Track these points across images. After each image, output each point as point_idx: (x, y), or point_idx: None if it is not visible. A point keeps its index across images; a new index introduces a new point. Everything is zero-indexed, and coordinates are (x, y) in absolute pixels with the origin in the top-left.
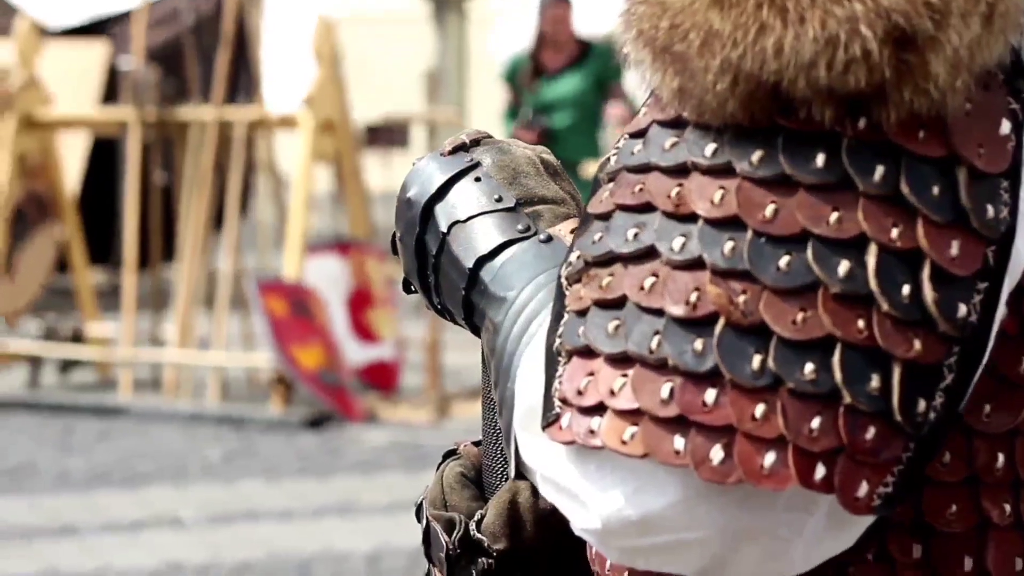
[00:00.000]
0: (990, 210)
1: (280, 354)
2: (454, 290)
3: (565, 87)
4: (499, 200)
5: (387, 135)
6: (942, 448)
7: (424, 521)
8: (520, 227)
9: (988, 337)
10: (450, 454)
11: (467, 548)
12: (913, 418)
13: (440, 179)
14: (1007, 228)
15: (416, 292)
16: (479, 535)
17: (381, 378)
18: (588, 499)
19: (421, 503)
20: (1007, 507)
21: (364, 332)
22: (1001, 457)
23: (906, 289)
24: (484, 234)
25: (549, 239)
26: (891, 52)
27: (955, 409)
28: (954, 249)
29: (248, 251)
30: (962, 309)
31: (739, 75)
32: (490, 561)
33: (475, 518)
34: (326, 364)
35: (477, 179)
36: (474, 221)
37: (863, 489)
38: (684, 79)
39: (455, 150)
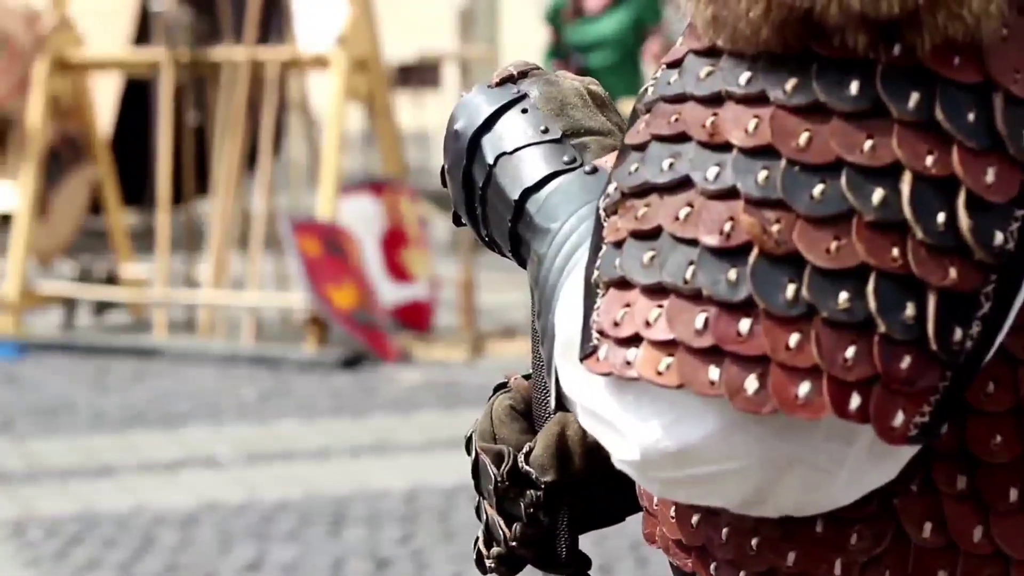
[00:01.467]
0: None
1: (314, 294)
2: (501, 222)
3: (605, 27)
4: (545, 131)
5: (419, 74)
6: (985, 378)
7: (473, 453)
8: (566, 159)
9: None
10: (501, 387)
11: (515, 480)
12: (949, 347)
13: (487, 111)
14: None
15: (465, 225)
16: (527, 467)
17: (415, 317)
18: (626, 430)
19: (471, 435)
20: None
21: (398, 272)
22: None
23: (941, 217)
24: (530, 166)
25: (594, 170)
26: None
27: (994, 338)
28: (990, 176)
29: (281, 191)
30: (999, 236)
31: (772, 2)
32: (538, 493)
33: (523, 450)
34: (360, 304)
35: (524, 111)
36: (520, 153)
37: (899, 419)
38: (718, 7)
39: (502, 82)
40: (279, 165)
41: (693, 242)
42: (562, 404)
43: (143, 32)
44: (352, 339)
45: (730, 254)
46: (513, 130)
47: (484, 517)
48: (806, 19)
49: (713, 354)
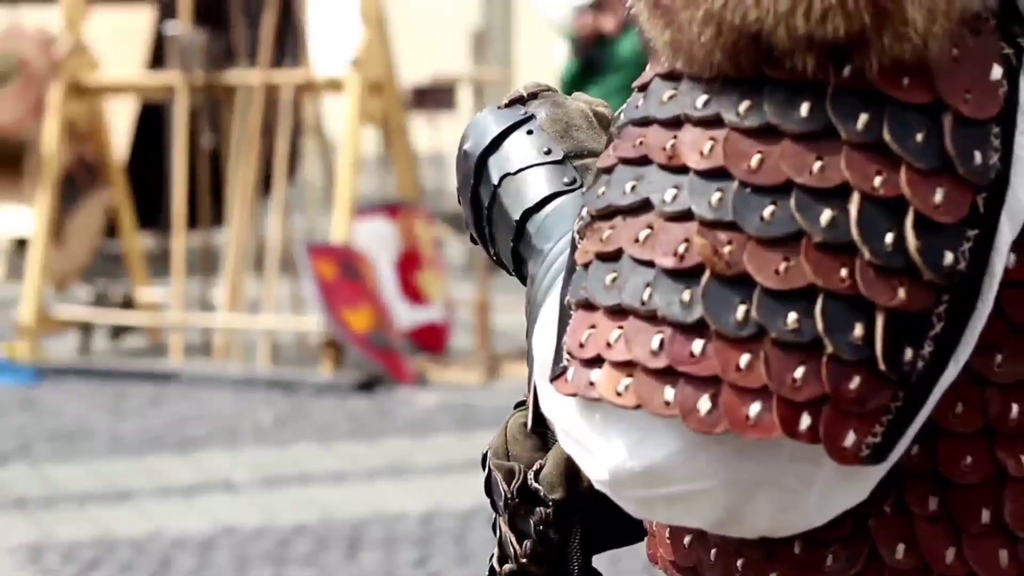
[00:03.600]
0: (977, 156)
1: (330, 317)
2: (505, 242)
3: (623, 48)
4: (548, 153)
5: (434, 96)
6: (954, 398)
7: (487, 469)
8: (566, 180)
9: (980, 284)
10: (520, 404)
11: (525, 497)
12: (899, 367)
13: (494, 131)
14: (997, 174)
15: (478, 244)
16: (536, 485)
17: (431, 340)
18: (595, 450)
19: (487, 452)
20: None
21: (413, 294)
22: (1015, 407)
23: (889, 237)
24: (531, 186)
25: None
26: None
27: (948, 358)
28: (938, 196)
29: (296, 214)
30: (948, 257)
31: (722, 25)
32: (548, 511)
33: (534, 468)
34: (376, 326)
35: (529, 132)
36: (523, 173)
37: (850, 439)
38: (674, 31)
39: (512, 103)
40: (294, 188)
41: (650, 264)
42: (539, 423)
43: (158, 56)
44: (368, 362)
45: (684, 276)
46: (518, 151)
47: (498, 533)
48: (756, 42)
49: (668, 375)
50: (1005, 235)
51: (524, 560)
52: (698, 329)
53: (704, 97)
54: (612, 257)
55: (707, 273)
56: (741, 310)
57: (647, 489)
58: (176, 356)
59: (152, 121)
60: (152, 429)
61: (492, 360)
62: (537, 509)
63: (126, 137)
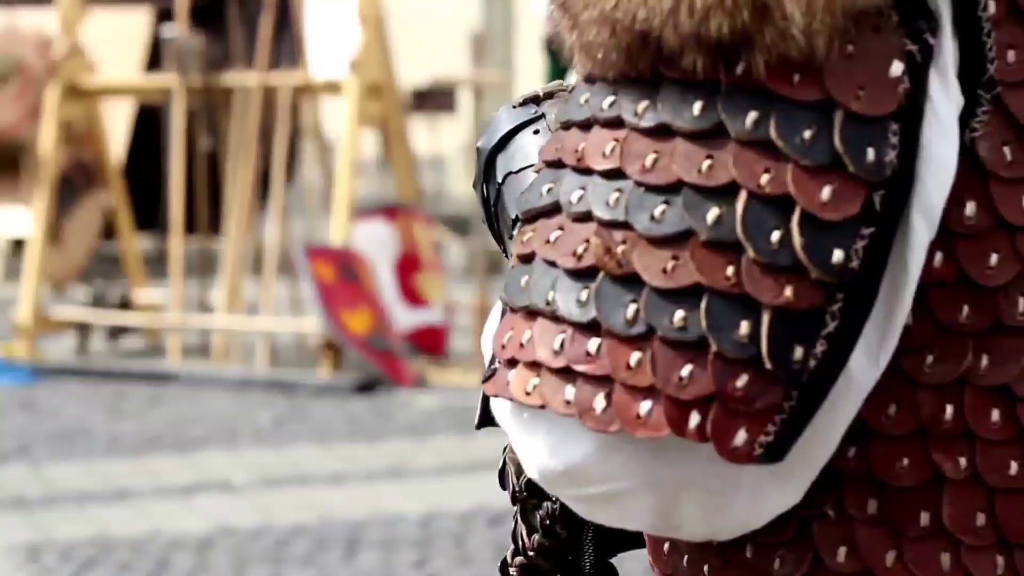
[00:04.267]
0: (870, 153)
1: (329, 319)
2: (508, 239)
3: None
4: None
5: (434, 99)
6: (887, 400)
7: (501, 462)
8: None
9: (878, 283)
10: None
11: (533, 491)
12: (787, 365)
13: (504, 129)
14: (895, 171)
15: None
16: None
17: (430, 342)
18: (523, 450)
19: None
20: (962, 460)
21: (412, 296)
22: (949, 409)
23: (775, 235)
24: None
25: None
26: None
27: (844, 356)
28: (826, 193)
29: (295, 216)
30: (838, 255)
31: (616, 26)
32: (555, 506)
33: None
34: (375, 329)
35: (536, 131)
36: (524, 173)
37: (741, 437)
38: (579, 35)
39: (526, 102)
40: (293, 190)
41: (555, 264)
42: (485, 422)
43: (155, 58)
44: (367, 364)
45: (581, 275)
46: (523, 150)
47: (513, 525)
48: (648, 42)
49: (568, 374)
50: (921, 233)
51: (532, 553)
52: (593, 328)
53: (610, 98)
54: (528, 259)
55: (600, 273)
56: (631, 309)
57: (576, 488)
58: (174, 357)
59: (149, 124)
60: (150, 430)
61: None
62: (544, 504)
63: (124, 139)
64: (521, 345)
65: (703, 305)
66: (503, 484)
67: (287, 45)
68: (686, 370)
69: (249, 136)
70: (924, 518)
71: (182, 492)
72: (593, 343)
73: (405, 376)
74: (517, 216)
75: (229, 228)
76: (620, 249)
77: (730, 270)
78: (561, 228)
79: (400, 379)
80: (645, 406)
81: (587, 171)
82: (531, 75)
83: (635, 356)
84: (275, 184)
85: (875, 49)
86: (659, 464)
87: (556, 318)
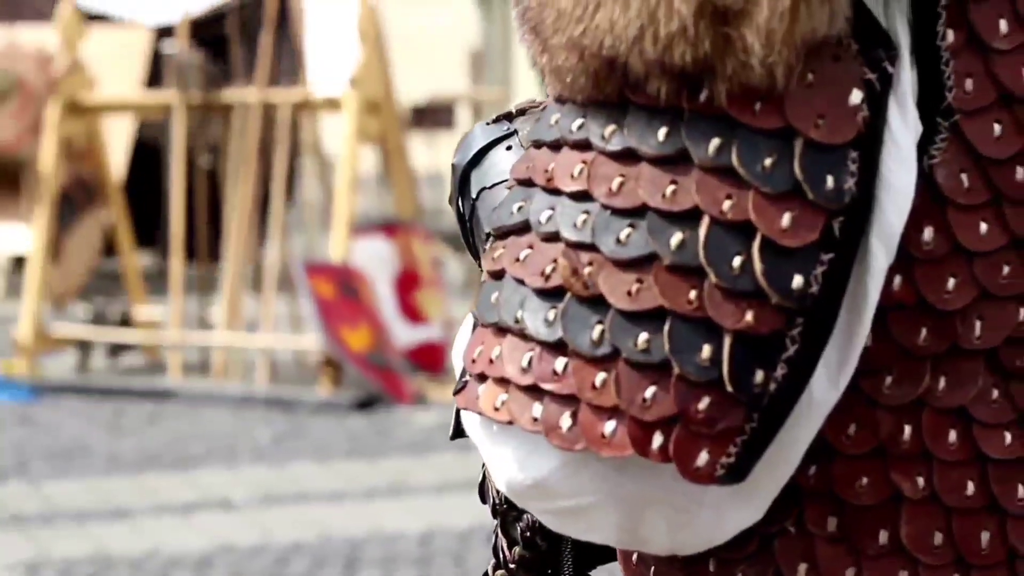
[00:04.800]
0: (829, 180)
1: (328, 336)
2: (482, 254)
3: None
4: None
5: (433, 116)
6: (847, 419)
7: (481, 475)
8: None
9: (837, 308)
10: None
11: (513, 504)
12: (749, 389)
13: (477, 146)
14: (854, 198)
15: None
16: None
17: (429, 359)
18: (494, 463)
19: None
20: (920, 480)
21: (412, 313)
22: (908, 429)
23: (737, 261)
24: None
25: None
26: (708, 26)
27: (804, 380)
28: (785, 220)
29: (295, 233)
30: (797, 280)
31: (584, 52)
32: (534, 519)
33: None
34: (374, 346)
35: (509, 148)
36: (496, 188)
37: (702, 458)
38: (550, 58)
39: (499, 119)
40: (293, 207)
41: (524, 283)
42: (460, 434)
43: (155, 75)
44: (366, 381)
45: (549, 295)
46: (496, 166)
47: (493, 539)
48: (614, 68)
49: (535, 392)
50: (879, 259)
51: (513, 566)
52: (560, 348)
53: (579, 121)
54: (498, 276)
55: (568, 293)
56: (597, 330)
57: (544, 502)
58: (174, 374)
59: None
60: (150, 447)
61: None
62: (525, 516)
63: (124, 156)
64: (491, 361)
65: (666, 328)
66: (483, 498)
67: (287, 62)
68: (649, 391)
69: (249, 153)
70: (883, 536)
71: (181, 510)
72: (560, 362)
73: (404, 393)
74: (490, 232)
75: (229, 245)
76: (587, 271)
77: (693, 294)
78: (531, 247)
79: (399, 396)
80: (610, 426)
81: (556, 191)
82: (529, 91)
83: (600, 376)
84: (275, 200)
85: (834, 78)
86: (624, 480)
87: (524, 336)
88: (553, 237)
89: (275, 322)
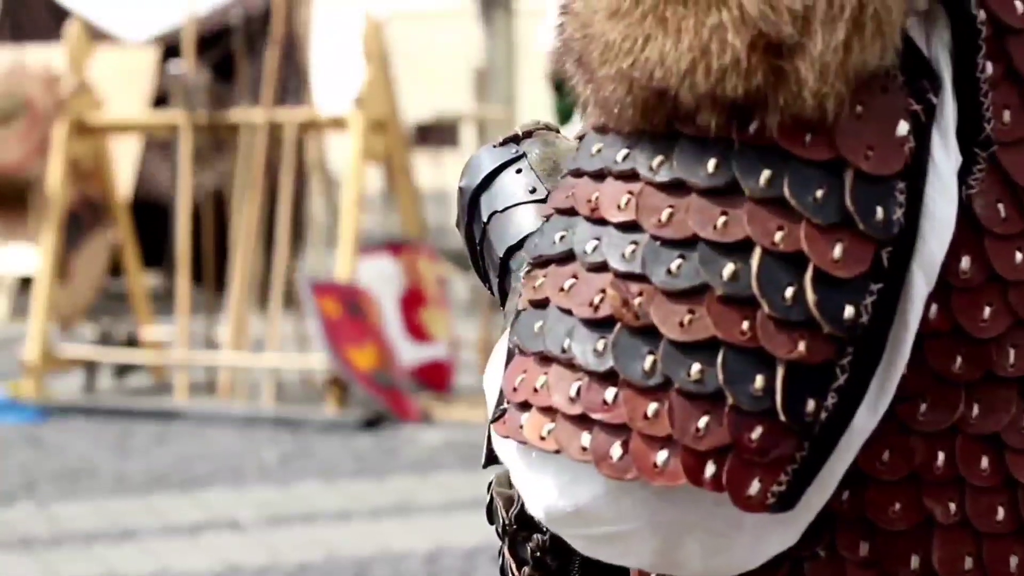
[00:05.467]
0: (879, 212)
1: (334, 355)
2: (494, 278)
3: None
4: (533, 191)
5: (437, 134)
6: (881, 447)
7: (488, 497)
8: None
9: (886, 337)
10: None
11: (523, 524)
12: (801, 418)
13: (486, 169)
14: (902, 229)
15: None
16: None
17: (435, 378)
18: (530, 490)
19: (492, 481)
20: (952, 505)
21: (417, 332)
22: (941, 455)
23: (789, 291)
24: (515, 224)
25: None
26: (761, 59)
27: (853, 408)
28: (837, 251)
29: (300, 252)
30: (849, 310)
31: (632, 84)
32: (544, 538)
33: None
34: (380, 365)
35: (519, 170)
36: (509, 212)
37: (755, 487)
38: (593, 88)
39: (506, 141)
40: (298, 226)
41: (571, 312)
42: (492, 461)
43: (162, 95)
44: (372, 400)
45: (598, 325)
46: (506, 189)
47: (500, 560)
48: (664, 99)
49: (584, 421)
50: (920, 287)
51: None
52: (610, 378)
53: (624, 151)
54: (541, 305)
55: (618, 324)
56: (649, 360)
57: (581, 528)
58: (181, 394)
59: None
60: (157, 468)
61: None
62: (535, 536)
63: (130, 176)
64: (535, 389)
65: (719, 359)
66: (491, 519)
67: (292, 82)
68: (703, 421)
69: (255, 172)
70: (914, 561)
71: (189, 531)
72: (610, 392)
73: (410, 412)
74: (507, 253)
75: (235, 264)
76: (637, 301)
77: (745, 325)
78: (575, 276)
79: (405, 415)
80: (662, 455)
81: (602, 221)
82: (534, 110)
83: (652, 406)
84: (281, 219)
85: (882, 109)
86: (665, 507)
87: (572, 365)
88: (600, 267)
89: (281, 342)
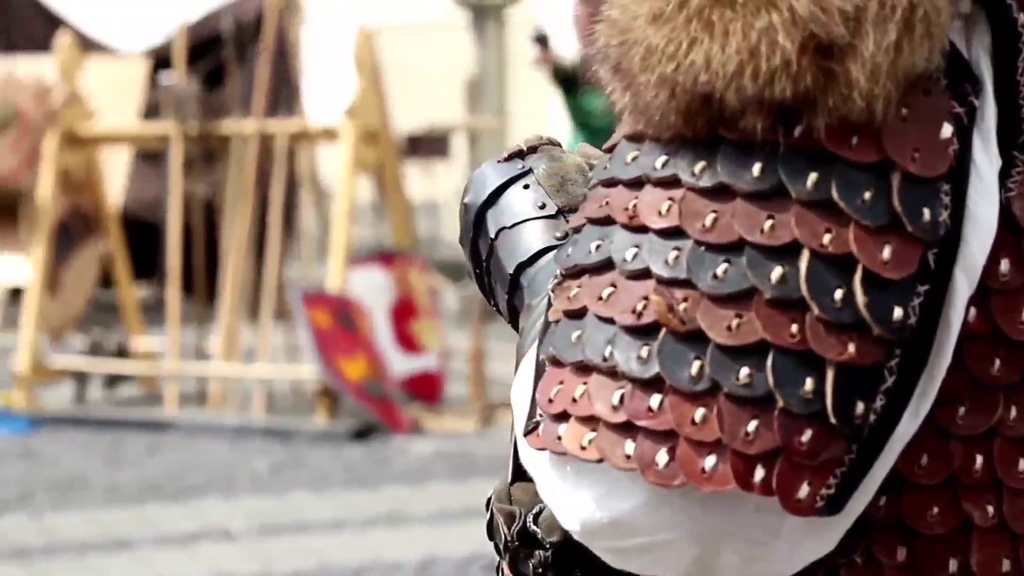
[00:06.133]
0: (926, 213)
1: (325, 366)
2: (501, 294)
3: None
4: (542, 207)
5: (428, 145)
6: (919, 451)
7: (489, 513)
8: (559, 234)
9: (932, 339)
10: None
11: (525, 540)
12: (850, 420)
13: (492, 185)
14: (947, 230)
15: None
16: (535, 528)
17: (426, 388)
18: (565, 502)
19: (491, 497)
20: (990, 508)
21: (408, 343)
22: (979, 459)
23: (838, 293)
24: (525, 241)
25: None
26: (811, 60)
27: (901, 410)
28: (886, 253)
29: (291, 263)
30: (897, 312)
31: (676, 89)
32: (546, 554)
33: (533, 511)
34: (371, 375)
35: (526, 186)
36: (519, 228)
37: (804, 491)
38: (632, 94)
39: (511, 157)
40: (290, 237)
41: (611, 321)
42: (520, 476)
43: (153, 106)
44: (363, 411)
45: (642, 332)
46: (514, 205)
47: None
48: (708, 103)
49: (628, 429)
50: (962, 290)
51: None
52: (655, 384)
53: (663, 158)
54: (578, 315)
55: (663, 330)
56: (695, 365)
57: (616, 540)
58: (172, 405)
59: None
60: (149, 478)
61: (487, 408)
62: (536, 552)
63: (121, 187)
64: (574, 400)
65: (769, 362)
66: (491, 535)
67: (284, 92)
68: (752, 425)
69: (246, 183)
70: (952, 565)
71: (181, 540)
72: (655, 399)
73: (401, 422)
74: (518, 270)
75: (226, 275)
76: (682, 307)
77: (794, 328)
78: (613, 285)
79: (396, 425)
80: (710, 461)
81: (641, 229)
82: (526, 120)
83: (700, 412)
84: (272, 230)
85: (927, 111)
86: (706, 515)
87: (614, 374)
88: (641, 274)
89: (272, 352)
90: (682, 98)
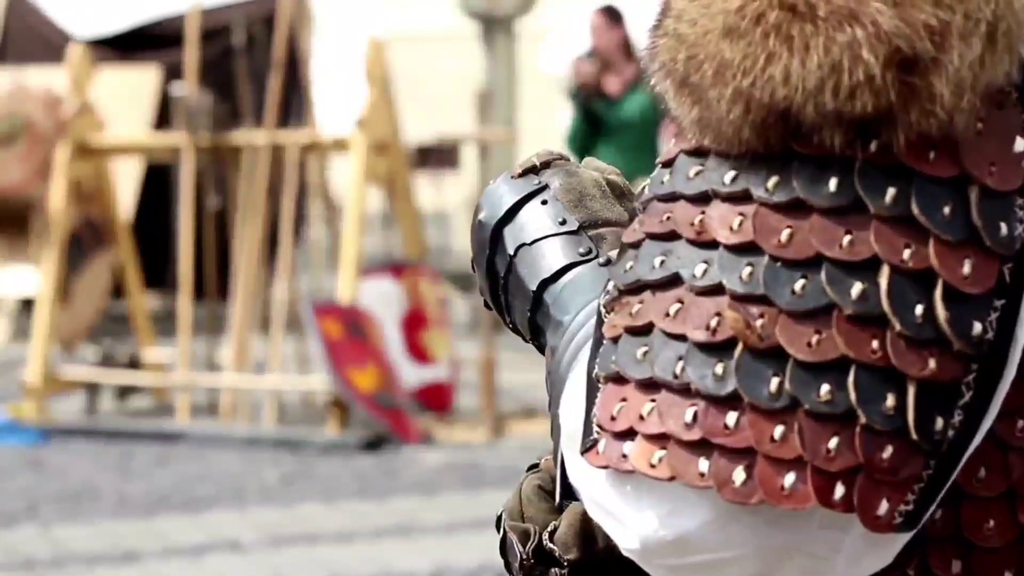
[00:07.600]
0: (1003, 227)
1: (336, 376)
2: (521, 311)
3: (627, 109)
4: (563, 223)
5: (438, 156)
6: (977, 463)
7: (502, 531)
8: (582, 250)
9: (1007, 353)
10: (533, 467)
11: (540, 558)
12: (931, 436)
13: (509, 202)
14: (1022, 245)
15: (492, 310)
16: (551, 545)
17: (436, 399)
18: (626, 520)
19: (501, 514)
20: None
21: (419, 353)
22: None
23: (919, 309)
24: (547, 257)
25: (608, 262)
26: (894, 75)
27: (977, 426)
28: (966, 268)
29: (302, 273)
30: (977, 327)
31: (751, 103)
32: (563, 572)
33: (549, 529)
34: (382, 386)
35: (544, 202)
36: (539, 244)
37: (883, 507)
38: (701, 109)
39: (525, 172)
40: (300, 248)
41: (682, 337)
42: (568, 493)
43: (164, 116)
44: (374, 421)
45: (716, 349)
46: (533, 221)
47: None
48: (784, 119)
49: (702, 447)
50: None
51: None
52: (731, 402)
53: (732, 173)
54: (642, 331)
55: (739, 346)
56: (774, 382)
57: (677, 558)
58: (182, 416)
59: (158, 181)
60: (159, 489)
61: (498, 418)
62: (552, 570)
63: (132, 197)
64: (641, 417)
65: (851, 378)
66: (504, 554)
67: (295, 103)
68: (833, 442)
69: (257, 193)
70: None
71: (191, 552)
72: (731, 416)
73: (412, 433)
74: (541, 287)
75: (237, 286)
76: (759, 323)
77: (875, 343)
78: (680, 301)
79: (407, 436)
80: (789, 478)
81: (710, 244)
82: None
83: (779, 429)
84: (283, 241)
85: (1001, 125)
86: (774, 532)
87: (686, 391)
88: (713, 291)
89: (283, 363)
90: (757, 113)
